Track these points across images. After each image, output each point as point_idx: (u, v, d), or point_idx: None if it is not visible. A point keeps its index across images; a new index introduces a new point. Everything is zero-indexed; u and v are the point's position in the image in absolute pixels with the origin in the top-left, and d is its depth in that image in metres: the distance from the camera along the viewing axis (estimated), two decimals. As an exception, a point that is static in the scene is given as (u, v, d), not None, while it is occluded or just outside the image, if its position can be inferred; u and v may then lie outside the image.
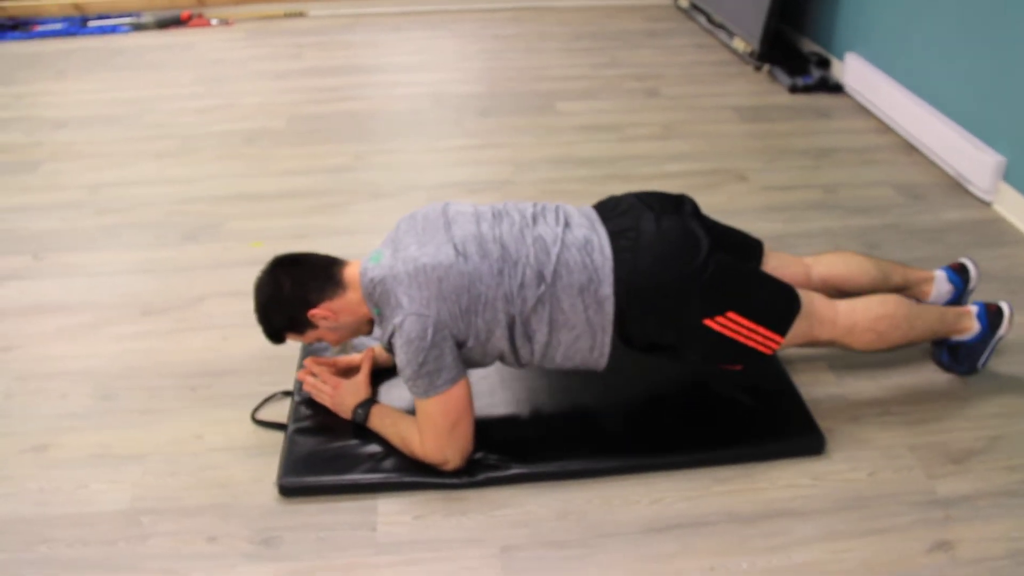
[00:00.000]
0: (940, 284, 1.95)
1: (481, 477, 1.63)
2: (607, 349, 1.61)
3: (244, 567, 1.50)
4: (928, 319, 1.77)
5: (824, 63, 3.51)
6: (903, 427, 1.75)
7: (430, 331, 1.51)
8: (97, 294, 2.28)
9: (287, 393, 1.87)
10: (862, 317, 1.68)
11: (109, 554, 1.53)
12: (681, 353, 1.64)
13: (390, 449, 1.68)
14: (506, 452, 1.67)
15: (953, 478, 1.63)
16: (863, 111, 3.28)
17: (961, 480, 1.63)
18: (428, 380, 1.53)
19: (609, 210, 1.69)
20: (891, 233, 2.46)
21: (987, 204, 2.58)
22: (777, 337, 1.62)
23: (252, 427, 1.80)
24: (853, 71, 3.28)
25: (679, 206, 1.70)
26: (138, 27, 4.55)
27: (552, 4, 4.73)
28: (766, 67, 3.61)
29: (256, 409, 1.84)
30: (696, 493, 1.61)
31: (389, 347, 1.59)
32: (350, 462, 1.67)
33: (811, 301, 1.66)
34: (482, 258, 1.56)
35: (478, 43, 4.24)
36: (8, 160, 3.13)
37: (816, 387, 1.86)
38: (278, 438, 1.75)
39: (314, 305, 1.62)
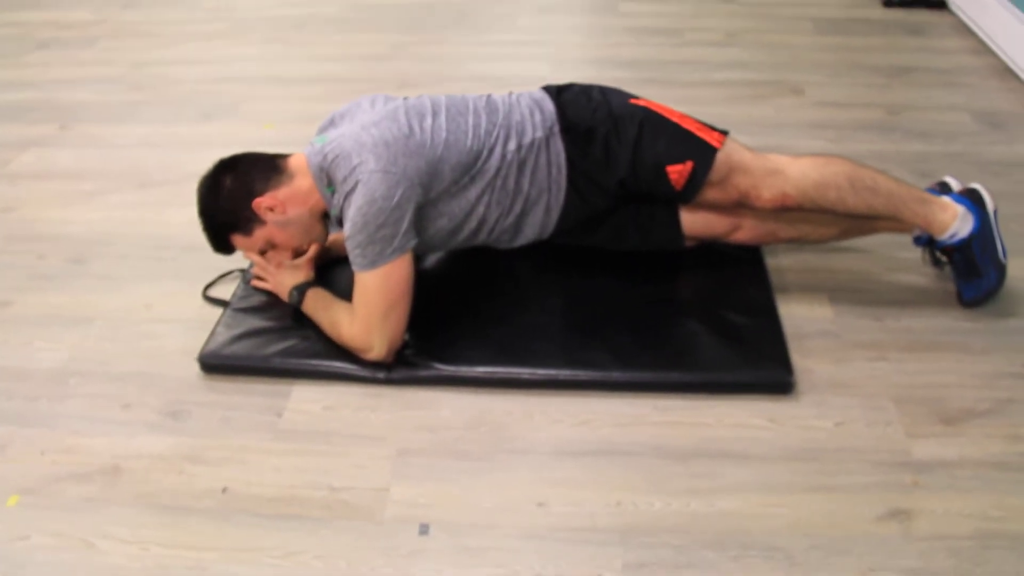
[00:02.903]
0: None
1: (399, 375, 1.51)
2: (563, 156, 1.57)
3: (144, 436, 1.46)
4: (879, 174, 1.55)
5: (933, -29, 3.04)
6: (895, 376, 1.49)
7: (399, 191, 1.42)
8: (104, 164, 2.30)
9: (244, 271, 1.81)
10: (797, 158, 1.57)
11: (28, 409, 1.53)
12: (621, 137, 1.56)
13: (319, 336, 1.59)
14: (434, 350, 1.54)
15: (938, 440, 1.37)
16: (963, 30, 2.83)
17: (947, 444, 1.36)
18: (380, 247, 1.43)
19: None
20: (952, 162, 2.09)
21: (1085, 141, 2.17)
22: (712, 130, 1.57)
23: (201, 302, 1.75)
24: (961, -18, 2.82)
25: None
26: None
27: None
28: (864, -26, 3.17)
29: (209, 285, 1.79)
30: (629, 420, 1.43)
31: (341, 218, 1.49)
32: (275, 344, 1.59)
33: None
34: (435, 113, 1.54)
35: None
36: (70, 36, 3.20)
37: (808, 321, 1.61)
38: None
39: (259, 194, 1.53)
